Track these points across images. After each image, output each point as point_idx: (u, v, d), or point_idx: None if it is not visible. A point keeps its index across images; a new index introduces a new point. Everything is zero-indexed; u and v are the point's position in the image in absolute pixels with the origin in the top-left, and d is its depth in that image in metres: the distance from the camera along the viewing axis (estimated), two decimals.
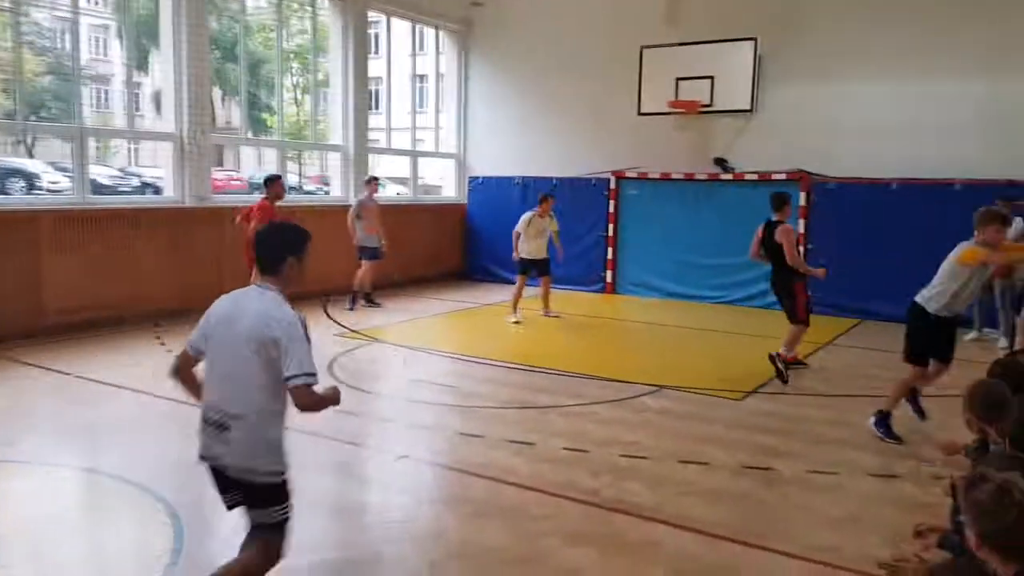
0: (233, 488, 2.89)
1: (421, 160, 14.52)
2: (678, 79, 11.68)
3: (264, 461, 2.83)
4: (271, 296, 2.84)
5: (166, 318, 9.12)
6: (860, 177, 10.69)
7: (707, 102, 11.52)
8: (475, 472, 4.82)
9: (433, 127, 14.66)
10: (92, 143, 15.75)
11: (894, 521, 4.12)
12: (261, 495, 2.86)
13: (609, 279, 12.73)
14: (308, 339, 2.81)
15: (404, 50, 14.12)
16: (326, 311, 10.47)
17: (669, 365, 8.00)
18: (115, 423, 5.80)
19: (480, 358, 7.91)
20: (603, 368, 7.02)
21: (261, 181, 9.80)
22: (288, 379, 2.72)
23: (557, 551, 3.80)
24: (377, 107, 14.20)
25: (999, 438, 3.02)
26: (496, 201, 13.93)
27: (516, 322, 9.87)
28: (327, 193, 15.40)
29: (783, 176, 11.15)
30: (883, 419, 5.56)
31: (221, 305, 2.94)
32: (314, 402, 2.79)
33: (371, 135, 12.94)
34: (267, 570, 2.93)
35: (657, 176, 12.19)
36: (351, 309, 10.59)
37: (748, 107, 11.35)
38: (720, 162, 11.84)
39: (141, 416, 5.92)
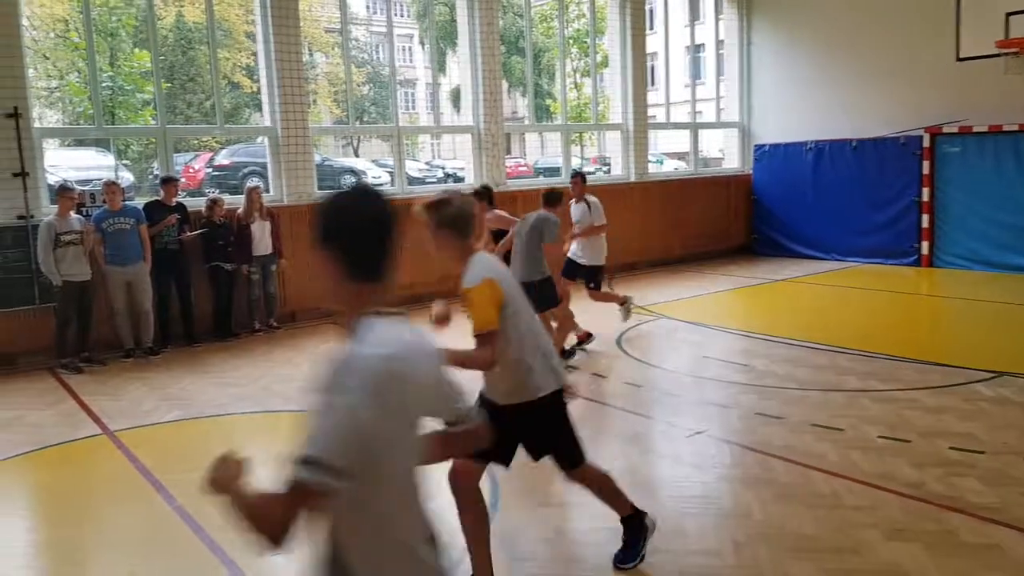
0: None
1: (700, 132, 14.10)
2: (1008, 14, 9.94)
3: None
4: None
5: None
6: None
7: None
8: (776, 454, 4.58)
9: (712, 98, 14.14)
10: (404, 140, 17.88)
11: None
12: None
13: (925, 251, 11.29)
14: None
15: (680, 22, 13.77)
16: (610, 286, 10.64)
17: (1008, 349, 6.89)
18: None
19: (774, 336, 7.49)
20: (922, 350, 6.27)
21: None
22: None
23: (877, 545, 3.48)
24: (653, 83, 14.05)
25: None
26: (785, 170, 13.06)
27: None
28: (607, 172, 15.66)
29: None
30: None
31: None
32: None
33: (649, 111, 12.84)
34: None
35: (984, 129, 10.51)
36: None
37: None
38: None
39: None
